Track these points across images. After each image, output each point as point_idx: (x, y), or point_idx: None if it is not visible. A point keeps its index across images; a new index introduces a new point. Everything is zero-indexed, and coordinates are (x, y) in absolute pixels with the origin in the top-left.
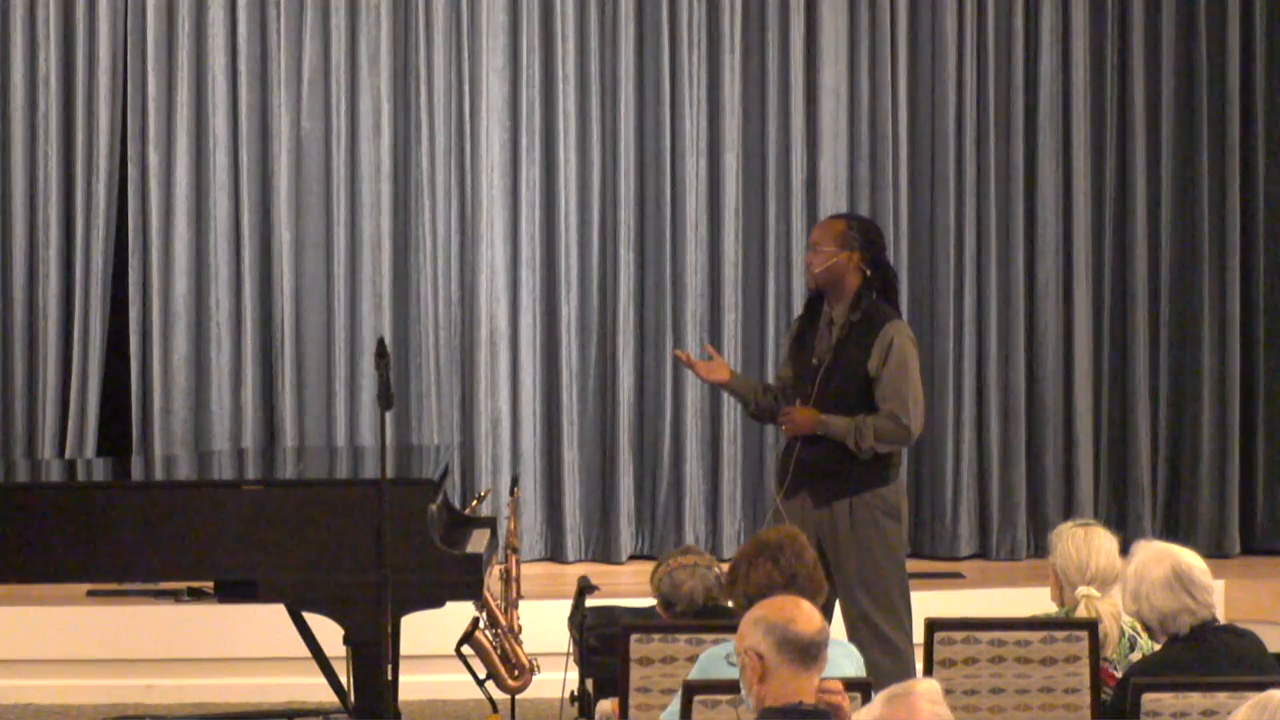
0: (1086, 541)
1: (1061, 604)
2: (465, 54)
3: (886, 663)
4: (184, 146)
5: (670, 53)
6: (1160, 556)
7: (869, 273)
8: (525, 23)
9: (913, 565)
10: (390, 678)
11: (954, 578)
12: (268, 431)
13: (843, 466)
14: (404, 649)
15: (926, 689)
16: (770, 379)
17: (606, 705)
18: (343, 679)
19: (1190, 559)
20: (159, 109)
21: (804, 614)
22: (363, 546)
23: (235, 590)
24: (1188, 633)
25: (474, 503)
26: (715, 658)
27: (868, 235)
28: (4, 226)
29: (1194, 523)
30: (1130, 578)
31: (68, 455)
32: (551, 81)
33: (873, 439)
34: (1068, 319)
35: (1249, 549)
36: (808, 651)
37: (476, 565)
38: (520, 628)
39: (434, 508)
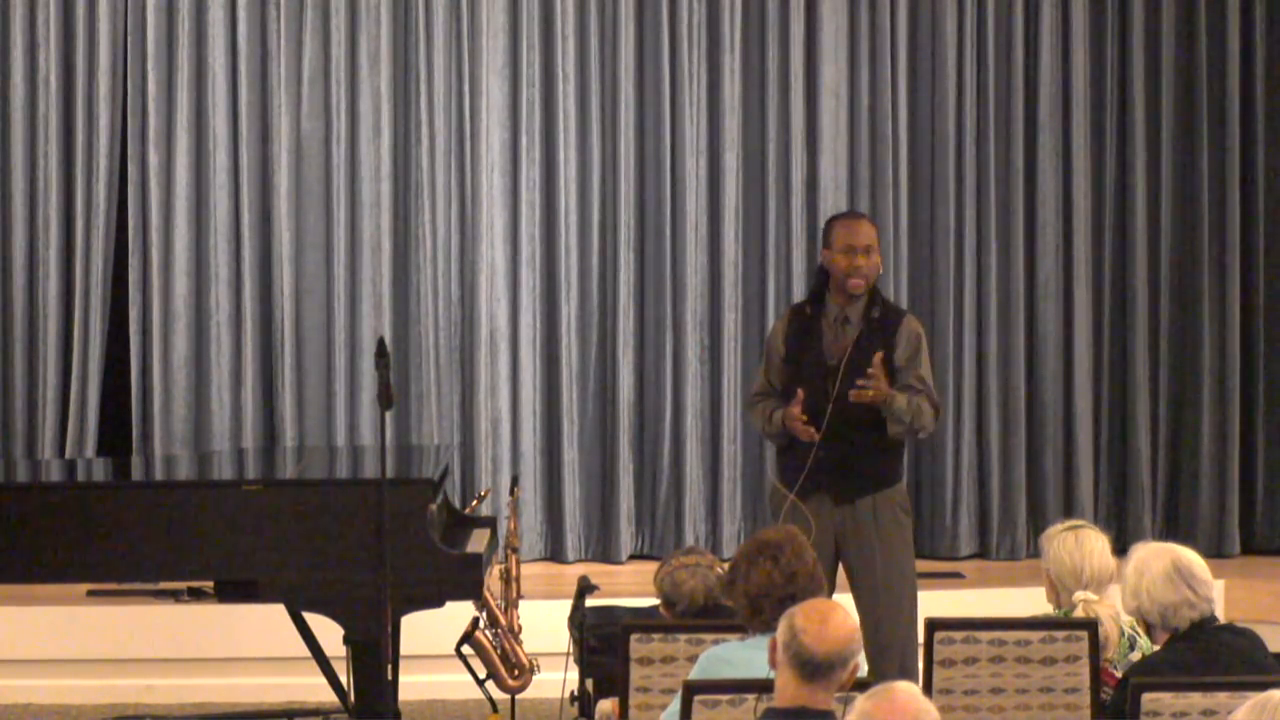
0: (1079, 546)
1: (1058, 607)
2: (465, 54)
3: (899, 659)
4: (184, 146)
5: (670, 53)
6: (1159, 552)
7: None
8: (525, 23)
9: None
10: (390, 678)
11: (954, 578)
12: (268, 431)
13: (864, 465)
14: (404, 649)
15: (906, 685)
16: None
17: (606, 705)
18: (343, 679)
19: (1190, 554)
20: (159, 109)
21: (825, 629)
22: (363, 546)
23: (235, 590)
24: (1187, 628)
25: (474, 503)
26: (715, 658)
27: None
28: (4, 226)
29: (1194, 523)
30: (1130, 575)
31: (68, 455)
32: (551, 81)
33: (924, 423)
34: (1068, 319)
35: (1249, 549)
36: (810, 667)
37: (476, 565)
38: (520, 628)
39: (434, 508)
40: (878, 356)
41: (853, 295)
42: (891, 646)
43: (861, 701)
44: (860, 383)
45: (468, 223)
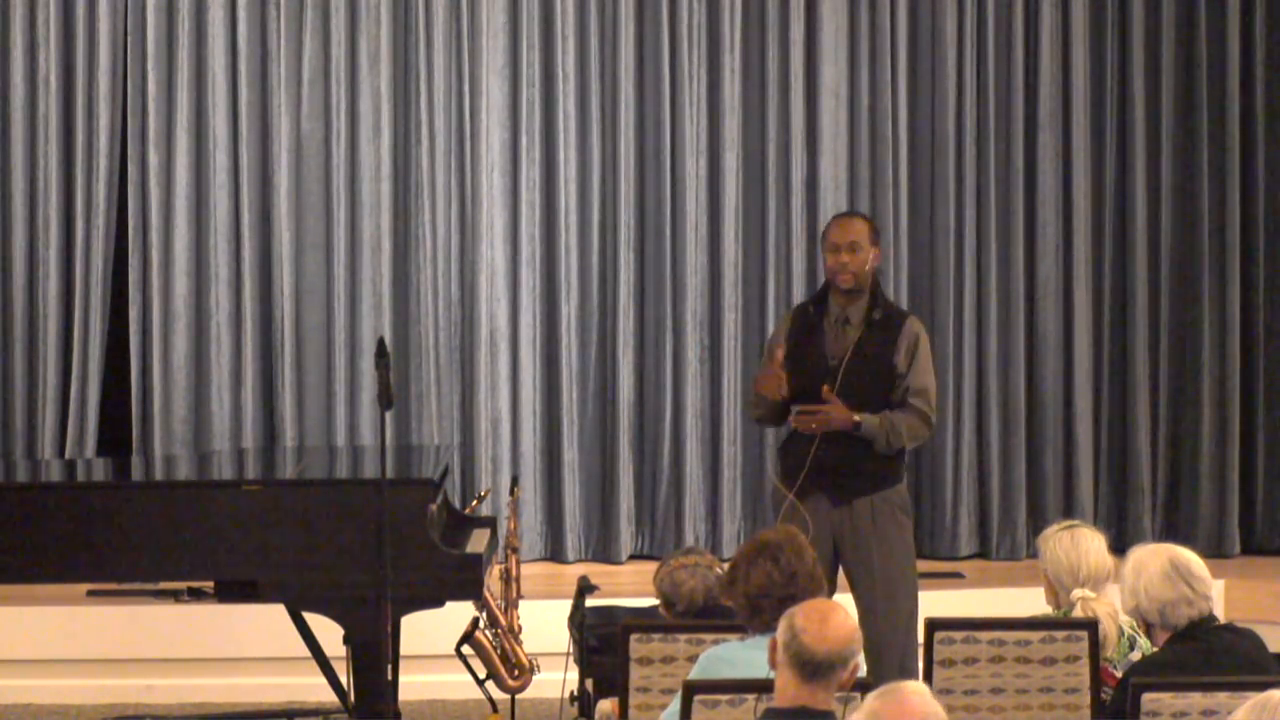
0: (1074, 545)
1: (1057, 607)
2: (465, 54)
3: (899, 659)
4: (184, 146)
5: (670, 53)
6: (1157, 551)
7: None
8: (525, 23)
9: None
10: (390, 678)
11: (954, 578)
12: (268, 431)
13: (863, 465)
14: (404, 649)
15: (916, 686)
16: None
17: (606, 705)
18: (343, 679)
19: (1187, 553)
20: (159, 109)
21: (825, 629)
22: (363, 546)
23: (235, 590)
24: (1186, 627)
25: (474, 503)
26: (715, 658)
27: (878, 231)
28: (4, 226)
29: (1194, 523)
30: (1128, 574)
31: (68, 455)
32: (551, 81)
33: (905, 438)
34: (1068, 319)
35: (1249, 549)
36: (810, 667)
37: (476, 565)
38: (520, 628)
39: (434, 508)
40: (825, 387)
41: (846, 292)
42: (890, 647)
43: (870, 701)
44: (794, 419)
45: (468, 223)
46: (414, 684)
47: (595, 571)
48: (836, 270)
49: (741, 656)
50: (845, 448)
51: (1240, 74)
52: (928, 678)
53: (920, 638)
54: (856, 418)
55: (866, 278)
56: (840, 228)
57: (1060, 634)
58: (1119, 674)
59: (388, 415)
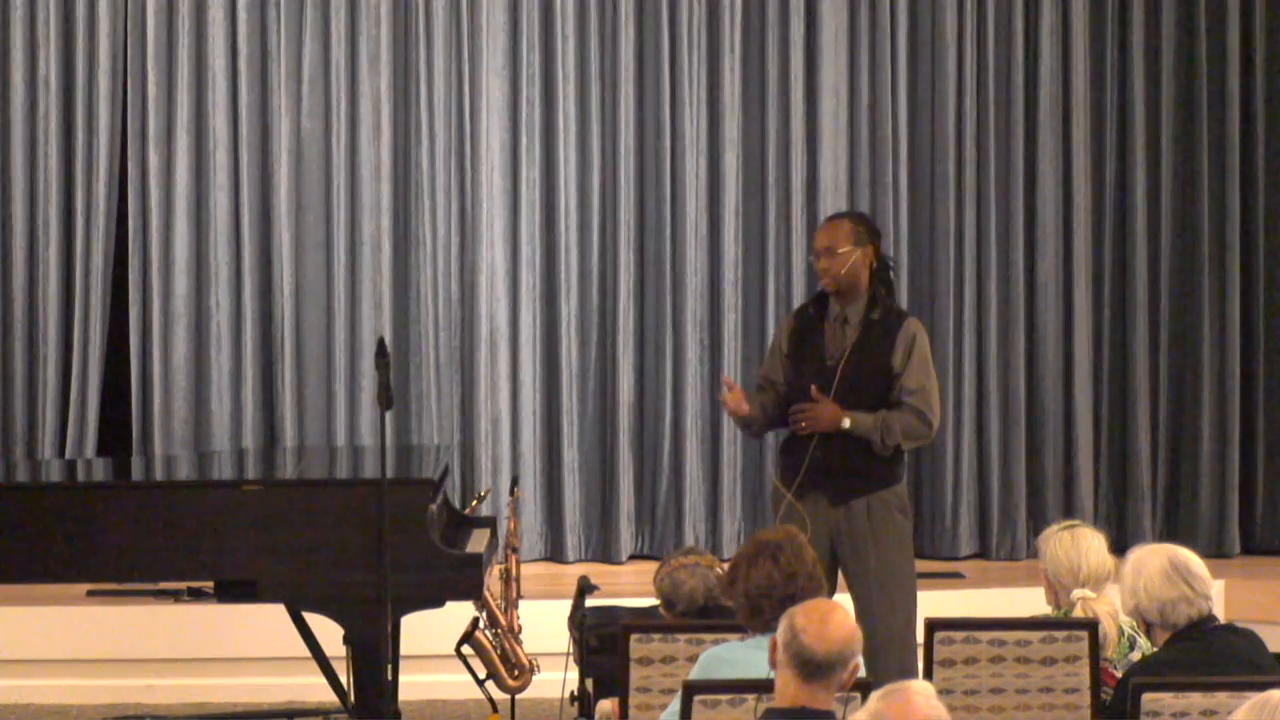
0: (1074, 544)
1: (1057, 607)
2: (465, 54)
3: (897, 659)
4: (184, 146)
5: (670, 53)
6: (1156, 550)
7: (875, 266)
8: (525, 23)
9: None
10: (390, 678)
11: (954, 578)
12: (268, 431)
13: (860, 465)
14: (404, 649)
15: (921, 686)
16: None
17: (606, 705)
18: (343, 679)
19: (1186, 552)
20: (159, 109)
21: (825, 629)
22: (363, 546)
23: (235, 590)
24: (1186, 626)
25: (474, 503)
26: (715, 658)
27: (873, 229)
28: (4, 226)
29: (1194, 523)
30: (1128, 574)
31: (68, 455)
32: (551, 81)
33: (900, 437)
34: (1068, 319)
35: (1249, 549)
36: (810, 667)
37: (476, 565)
38: (520, 628)
39: (434, 508)
40: (814, 387)
41: (836, 294)
42: (887, 647)
43: (874, 701)
44: (792, 416)
45: (468, 223)
46: (414, 684)
47: (595, 571)
48: (819, 274)
49: (741, 656)
50: (843, 448)
51: (1240, 74)
52: (928, 678)
53: (920, 638)
54: (847, 416)
55: (850, 279)
56: (820, 232)
57: (1060, 634)
58: (1119, 674)
59: (388, 415)
